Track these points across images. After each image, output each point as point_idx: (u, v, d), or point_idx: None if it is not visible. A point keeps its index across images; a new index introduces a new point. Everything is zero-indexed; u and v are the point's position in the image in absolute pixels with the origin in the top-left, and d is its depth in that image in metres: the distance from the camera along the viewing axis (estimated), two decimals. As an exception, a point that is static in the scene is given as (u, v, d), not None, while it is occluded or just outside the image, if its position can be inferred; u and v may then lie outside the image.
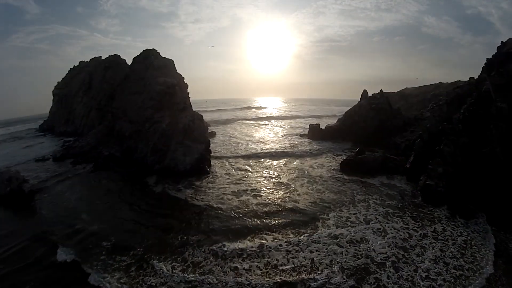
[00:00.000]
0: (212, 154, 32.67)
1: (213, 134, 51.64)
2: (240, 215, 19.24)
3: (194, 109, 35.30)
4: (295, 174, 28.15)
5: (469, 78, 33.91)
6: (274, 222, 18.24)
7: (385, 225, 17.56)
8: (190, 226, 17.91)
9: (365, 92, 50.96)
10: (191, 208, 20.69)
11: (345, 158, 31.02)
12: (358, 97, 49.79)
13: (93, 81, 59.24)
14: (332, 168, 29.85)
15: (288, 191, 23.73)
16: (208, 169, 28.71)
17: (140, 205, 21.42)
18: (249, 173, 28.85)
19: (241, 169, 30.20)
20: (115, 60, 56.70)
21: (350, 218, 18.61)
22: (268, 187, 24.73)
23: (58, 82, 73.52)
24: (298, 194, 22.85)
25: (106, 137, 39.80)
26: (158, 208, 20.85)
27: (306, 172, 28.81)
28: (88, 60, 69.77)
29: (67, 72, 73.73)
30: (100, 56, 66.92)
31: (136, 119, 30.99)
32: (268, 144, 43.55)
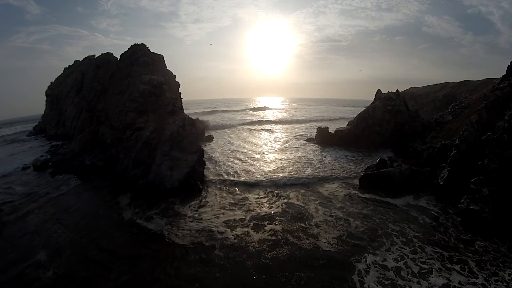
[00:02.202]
0: (205, 166, 28.04)
1: (210, 138, 47.15)
2: (238, 262, 14.11)
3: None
4: (304, 192, 23.27)
5: (503, 76, 29.43)
6: (288, 277, 13.03)
7: (450, 278, 12.69)
8: (167, 280, 13.05)
9: (379, 92, 46.13)
10: (169, 248, 15.75)
11: (363, 171, 26.30)
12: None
13: (84, 80, 55.37)
14: (348, 183, 25.16)
15: (300, 218, 18.50)
16: (201, 186, 23.74)
17: (107, 239, 16.91)
18: (248, 191, 23.89)
19: (237, 186, 25.11)
20: (106, 58, 52.64)
21: (400, 269, 13.39)
22: (273, 213, 19.59)
23: (51, 82, 69.91)
24: (315, 224, 17.63)
25: (90, 143, 35.73)
26: (126, 249, 15.91)
27: (317, 189, 24.00)
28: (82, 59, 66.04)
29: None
30: (94, 55, 63.06)
31: (116, 125, 26.37)
32: (270, 152, 38.79)
